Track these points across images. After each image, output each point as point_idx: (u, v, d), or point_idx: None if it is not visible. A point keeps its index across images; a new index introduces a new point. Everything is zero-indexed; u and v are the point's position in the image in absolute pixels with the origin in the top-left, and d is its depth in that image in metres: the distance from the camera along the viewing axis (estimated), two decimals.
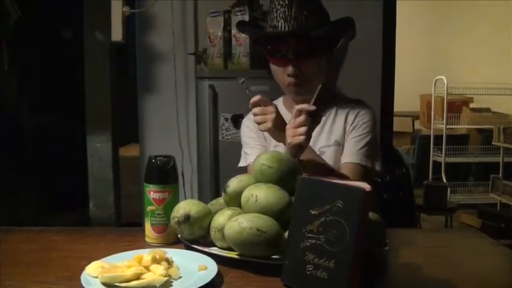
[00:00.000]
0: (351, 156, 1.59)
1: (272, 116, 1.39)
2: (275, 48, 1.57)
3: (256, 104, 1.42)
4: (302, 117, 1.31)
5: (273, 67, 1.61)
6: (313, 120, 1.32)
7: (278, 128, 1.40)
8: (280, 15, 1.51)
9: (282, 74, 1.58)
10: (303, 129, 1.30)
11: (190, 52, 3.15)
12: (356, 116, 1.64)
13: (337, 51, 1.37)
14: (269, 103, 1.43)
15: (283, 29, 1.51)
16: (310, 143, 1.42)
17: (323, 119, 1.61)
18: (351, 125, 1.63)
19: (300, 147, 1.32)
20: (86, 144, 2.86)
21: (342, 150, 1.62)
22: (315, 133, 1.59)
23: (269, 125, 1.39)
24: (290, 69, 1.55)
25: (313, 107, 1.31)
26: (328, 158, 1.59)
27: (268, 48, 1.59)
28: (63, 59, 3.61)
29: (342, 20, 1.57)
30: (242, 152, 1.77)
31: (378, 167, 1.62)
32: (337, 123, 1.64)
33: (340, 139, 1.62)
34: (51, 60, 3.71)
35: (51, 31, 3.63)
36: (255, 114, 1.43)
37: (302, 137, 1.30)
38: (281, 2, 1.51)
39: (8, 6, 3.10)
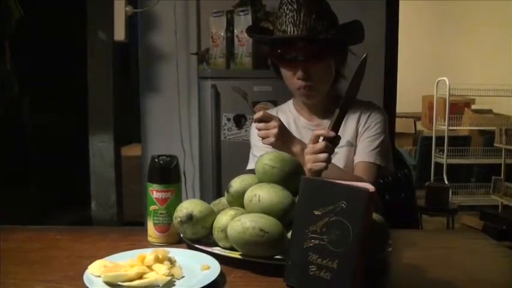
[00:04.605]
0: (364, 155, 1.62)
1: (275, 131, 1.44)
2: (285, 53, 1.58)
3: (260, 120, 1.46)
4: (322, 144, 1.31)
5: (283, 71, 1.62)
6: (332, 144, 1.33)
7: (282, 142, 1.45)
8: (289, 20, 1.52)
9: (292, 77, 1.60)
10: (323, 156, 1.30)
11: (192, 52, 3.15)
12: (368, 117, 1.67)
13: (359, 66, 1.36)
14: (272, 118, 1.46)
15: (292, 33, 1.52)
16: None
17: None
18: (364, 126, 1.66)
19: (320, 173, 1.32)
20: (88, 143, 2.86)
21: (354, 150, 1.65)
22: None
23: (272, 139, 1.44)
24: (300, 73, 1.56)
25: (332, 134, 1.32)
26: (340, 158, 1.61)
27: (278, 52, 1.60)
28: (65, 58, 3.61)
29: (350, 23, 1.58)
30: (250, 155, 1.78)
31: (390, 167, 1.66)
32: (349, 124, 1.67)
33: (352, 139, 1.65)
34: (53, 59, 3.72)
35: (54, 30, 3.63)
36: (258, 129, 1.47)
37: (323, 164, 1.31)
38: (290, 7, 1.52)
39: (10, 5, 3.10)
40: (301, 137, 1.58)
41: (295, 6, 1.52)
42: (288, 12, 1.53)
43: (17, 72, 3.48)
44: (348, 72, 1.65)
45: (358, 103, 1.70)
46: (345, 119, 1.65)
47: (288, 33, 1.53)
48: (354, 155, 1.65)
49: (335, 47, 1.58)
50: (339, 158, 1.62)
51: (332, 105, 1.69)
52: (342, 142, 1.64)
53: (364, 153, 1.62)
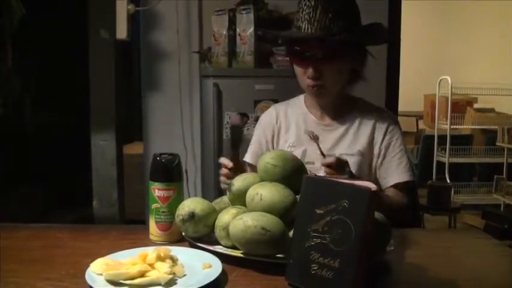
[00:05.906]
0: (400, 175, 1.61)
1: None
2: (298, 49, 1.55)
3: (328, 166, 1.41)
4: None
5: (295, 67, 1.59)
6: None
7: None
8: (305, 16, 1.48)
9: (303, 75, 1.56)
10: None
11: (194, 50, 3.15)
12: (386, 132, 1.64)
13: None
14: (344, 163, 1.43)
15: (306, 30, 1.49)
16: (329, 147, 1.50)
17: (346, 126, 1.63)
18: (382, 141, 1.63)
19: None
20: (90, 141, 2.87)
21: (368, 161, 1.63)
22: (335, 138, 1.61)
23: None
24: (310, 71, 1.52)
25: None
26: (350, 167, 1.59)
27: (293, 48, 1.57)
28: (67, 56, 3.61)
29: (370, 25, 1.55)
30: (249, 148, 1.79)
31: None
32: (361, 132, 1.64)
33: (363, 149, 1.62)
34: (55, 58, 3.71)
35: (56, 29, 3.63)
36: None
37: None
38: (307, 3, 1.48)
39: (12, 4, 3.10)
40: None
41: (312, 3, 1.47)
42: (305, 8, 1.48)
43: (19, 71, 3.48)
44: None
45: (371, 109, 1.68)
46: (357, 125, 1.64)
47: (302, 30, 1.49)
48: (368, 166, 1.63)
49: (351, 48, 1.53)
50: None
51: (344, 106, 1.66)
52: (353, 150, 1.61)
53: (397, 173, 1.61)
